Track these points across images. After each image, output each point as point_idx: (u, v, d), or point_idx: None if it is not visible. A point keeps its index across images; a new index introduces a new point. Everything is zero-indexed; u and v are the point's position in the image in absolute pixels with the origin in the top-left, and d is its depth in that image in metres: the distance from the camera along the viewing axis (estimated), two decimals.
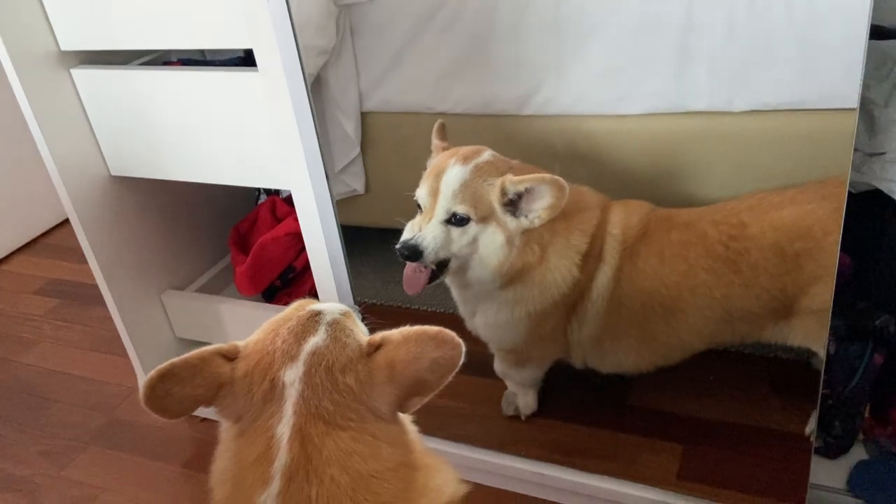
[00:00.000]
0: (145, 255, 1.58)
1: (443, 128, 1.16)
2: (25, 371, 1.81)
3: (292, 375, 0.69)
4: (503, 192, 1.06)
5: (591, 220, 1.10)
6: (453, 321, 1.23)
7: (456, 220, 1.09)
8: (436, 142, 1.16)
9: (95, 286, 1.53)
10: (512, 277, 1.11)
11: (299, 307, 0.75)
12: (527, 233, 1.08)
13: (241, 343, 0.73)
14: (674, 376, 1.20)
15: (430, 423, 1.36)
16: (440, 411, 1.40)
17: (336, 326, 0.72)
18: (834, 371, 1.17)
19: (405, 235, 1.11)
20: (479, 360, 1.29)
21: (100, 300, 1.57)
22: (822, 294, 1.00)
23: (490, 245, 1.09)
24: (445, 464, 0.75)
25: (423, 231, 1.09)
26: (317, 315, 0.73)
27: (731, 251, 1.05)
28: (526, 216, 1.07)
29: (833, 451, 1.20)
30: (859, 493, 1.14)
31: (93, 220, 1.44)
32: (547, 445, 1.29)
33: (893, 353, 1.18)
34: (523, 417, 1.33)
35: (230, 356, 0.70)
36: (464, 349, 0.71)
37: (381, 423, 0.70)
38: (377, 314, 1.34)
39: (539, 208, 1.05)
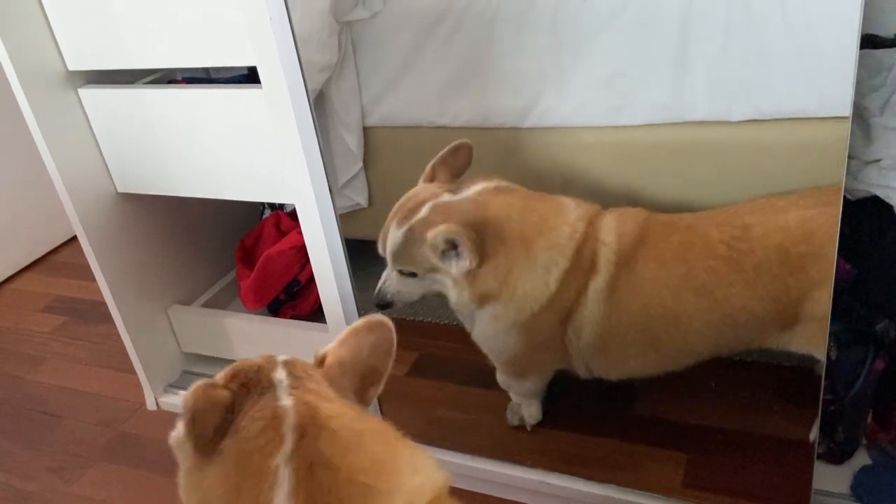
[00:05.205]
0: (151, 271, 1.59)
1: (443, 166, 1.18)
2: (33, 388, 1.82)
3: (280, 374, 0.76)
4: (434, 248, 1.12)
5: (569, 236, 1.11)
6: (461, 333, 1.24)
7: (407, 274, 1.17)
8: (427, 170, 1.19)
9: (102, 303, 1.54)
10: (481, 300, 1.15)
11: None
12: (480, 267, 1.12)
13: (216, 377, 0.78)
14: (677, 385, 1.21)
15: (436, 434, 1.37)
16: (446, 422, 1.41)
17: (290, 357, 0.80)
18: (836, 377, 1.18)
19: (379, 283, 1.21)
20: (483, 372, 1.30)
21: (107, 317, 1.58)
22: (826, 300, 1.01)
23: (443, 287, 1.17)
24: (420, 449, 0.78)
25: (386, 283, 1.20)
26: (271, 356, 0.81)
27: (733, 250, 1.05)
28: (465, 260, 1.11)
29: (836, 456, 1.20)
30: (863, 499, 1.14)
31: (100, 236, 1.46)
32: (552, 455, 1.30)
33: (894, 358, 1.19)
34: (528, 427, 1.34)
35: (218, 385, 0.75)
36: (393, 326, 0.80)
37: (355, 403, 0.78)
38: None
39: (465, 252, 1.11)
